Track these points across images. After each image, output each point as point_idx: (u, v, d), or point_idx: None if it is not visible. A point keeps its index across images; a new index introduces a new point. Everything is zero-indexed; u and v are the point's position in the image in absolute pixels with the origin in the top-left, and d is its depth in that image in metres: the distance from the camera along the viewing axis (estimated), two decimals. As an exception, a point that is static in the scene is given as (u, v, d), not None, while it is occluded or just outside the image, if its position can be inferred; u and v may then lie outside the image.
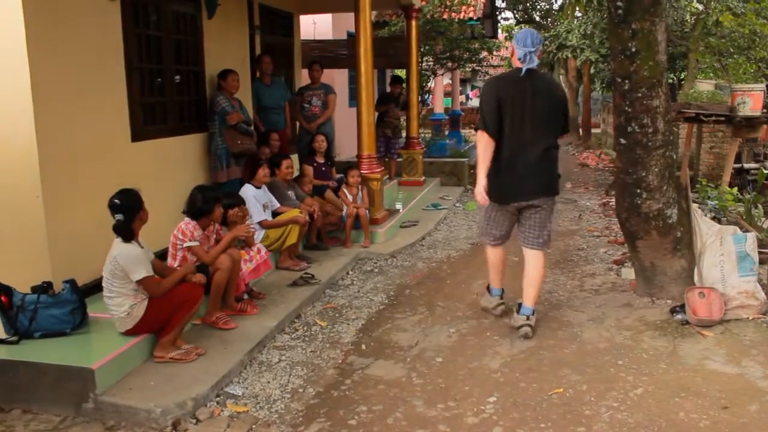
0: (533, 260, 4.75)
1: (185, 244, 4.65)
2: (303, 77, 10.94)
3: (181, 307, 4.21)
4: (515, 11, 24.21)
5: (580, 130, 21.96)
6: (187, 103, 6.59)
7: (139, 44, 5.73)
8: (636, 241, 5.10)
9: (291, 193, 6.66)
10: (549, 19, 23.19)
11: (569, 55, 16.33)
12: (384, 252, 7.04)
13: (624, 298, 5.38)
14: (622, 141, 4.89)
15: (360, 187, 7.32)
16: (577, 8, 20.39)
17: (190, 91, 6.65)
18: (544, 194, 4.57)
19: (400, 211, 8.53)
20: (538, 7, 24.04)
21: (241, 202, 5.33)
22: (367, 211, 7.20)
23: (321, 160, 7.72)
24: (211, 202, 4.78)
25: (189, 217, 4.73)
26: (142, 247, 4.17)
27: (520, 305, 4.78)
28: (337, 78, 9.24)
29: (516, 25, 23.71)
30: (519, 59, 4.52)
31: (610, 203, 10.09)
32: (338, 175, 7.76)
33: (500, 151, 4.47)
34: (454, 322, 5.08)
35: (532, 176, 4.48)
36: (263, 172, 6.33)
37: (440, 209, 9.42)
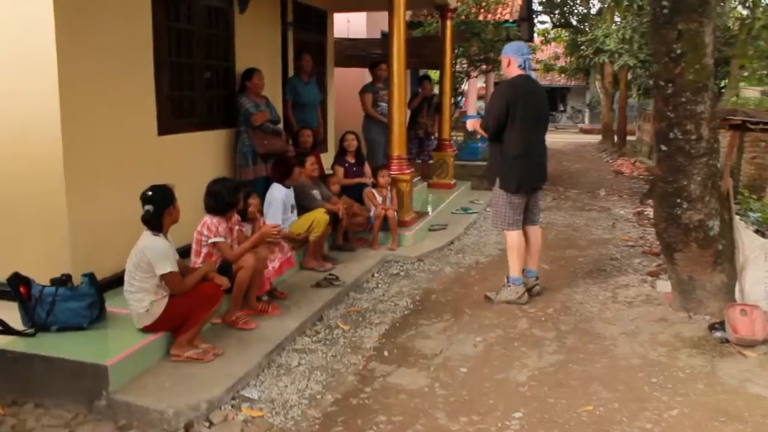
0: (538, 234, 5.75)
1: (210, 240, 4.55)
2: (337, 75, 10.85)
3: (201, 306, 4.11)
4: (552, 14, 23.90)
5: (615, 137, 21.55)
6: (216, 99, 6.52)
7: (169, 38, 5.66)
8: (674, 253, 4.87)
9: (316, 192, 6.53)
10: (586, 23, 22.84)
11: (606, 60, 15.99)
12: (411, 255, 6.88)
13: (659, 312, 5.16)
14: (663, 148, 4.68)
15: (389, 188, 7.17)
16: (617, 12, 20.10)
17: (219, 86, 6.58)
18: (546, 177, 5.70)
19: (430, 214, 8.37)
20: (576, 11, 23.69)
21: (252, 192, 5.25)
22: (395, 213, 7.05)
23: (352, 159, 7.60)
24: (235, 194, 4.70)
25: (213, 213, 4.63)
26: (170, 243, 4.09)
27: (524, 270, 5.61)
28: (368, 77, 9.11)
29: (552, 29, 23.40)
30: (519, 66, 5.36)
31: (645, 212, 9.82)
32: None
33: (521, 146, 5.27)
34: (481, 331, 4.90)
35: (543, 163, 5.56)
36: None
37: (470, 213, 9.23)
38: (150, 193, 4.05)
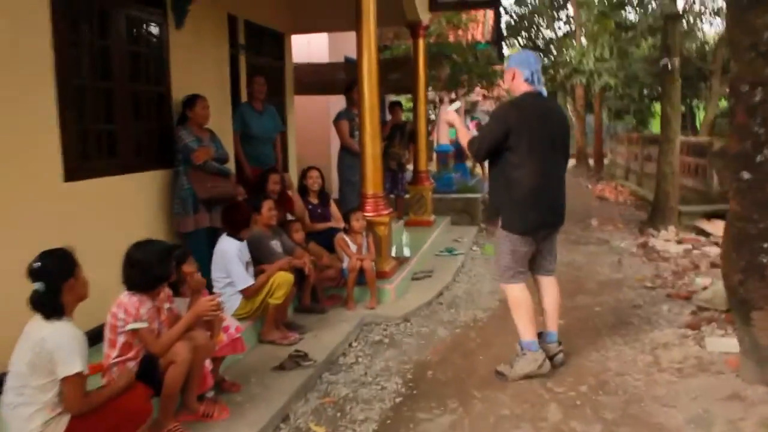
0: (553, 287, 4.67)
1: (129, 327, 3.27)
2: (297, 104, 9.69)
3: (119, 429, 2.86)
4: (518, 38, 23.25)
5: (591, 161, 20.74)
6: (147, 132, 5.28)
7: (77, 55, 4.43)
8: (751, 312, 3.73)
9: (276, 244, 5.30)
10: (552, 46, 22.20)
11: (583, 81, 15.14)
12: (395, 315, 5.65)
13: (726, 385, 3.99)
14: (746, 176, 3.56)
15: (365, 233, 5.96)
16: (583, 36, 19.41)
17: (150, 117, 5.34)
18: (563, 219, 4.53)
19: (411, 259, 7.16)
20: (541, 35, 23.07)
21: (187, 256, 4.00)
22: (373, 264, 5.83)
23: (315, 200, 6.41)
24: (166, 263, 3.43)
25: (134, 290, 3.36)
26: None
27: (540, 334, 4.53)
28: (332, 105, 7.95)
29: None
30: (526, 80, 4.31)
31: (649, 244, 8.77)
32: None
33: (530, 179, 4.20)
34: (501, 425, 3.68)
35: (559, 203, 4.43)
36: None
37: (456, 255, 8.05)
38: (38, 264, 2.79)
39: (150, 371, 3.26)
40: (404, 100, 13.07)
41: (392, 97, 12.99)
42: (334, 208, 6.68)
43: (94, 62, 4.63)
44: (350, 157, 7.78)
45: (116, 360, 3.27)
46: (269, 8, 8.49)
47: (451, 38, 12.24)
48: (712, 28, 13.64)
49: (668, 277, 6.98)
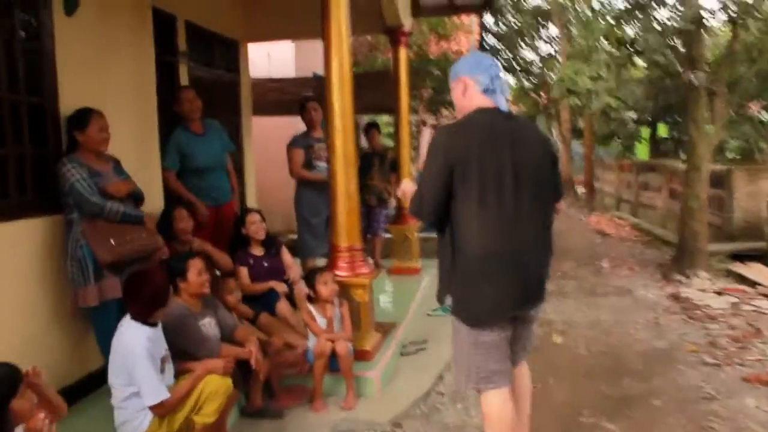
0: (526, 378, 3.29)
1: None
2: (257, 126, 8.08)
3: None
4: (498, 58, 21.96)
5: (579, 190, 19.34)
6: (17, 161, 3.62)
7: None
8: None
9: (209, 324, 3.64)
10: (531, 67, 20.95)
11: (578, 103, 13.72)
12: (381, 419, 3.99)
13: None
14: None
15: (337, 301, 4.31)
16: (568, 56, 18.12)
17: (23, 141, 3.68)
18: (543, 295, 3.01)
19: (398, 324, 5.52)
20: (519, 56, 21.80)
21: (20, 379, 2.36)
22: (349, 346, 4.17)
23: (259, 251, 4.81)
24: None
25: None
26: None
27: None
28: (300, 127, 6.35)
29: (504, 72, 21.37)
30: (485, 91, 2.97)
31: (682, 295, 7.25)
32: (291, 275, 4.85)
33: (476, 240, 2.78)
34: None
35: (535, 272, 2.91)
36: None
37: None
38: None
39: None
40: (381, 124, 11.51)
41: (366, 119, 11.43)
42: (286, 256, 5.05)
43: None
44: (310, 192, 6.15)
45: None
46: (218, 9, 6.92)
47: (433, 51, 10.71)
48: (711, 41, 12.39)
49: (728, 346, 5.44)
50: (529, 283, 2.87)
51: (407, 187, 3.24)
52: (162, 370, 3.12)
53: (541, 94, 21.41)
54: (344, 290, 4.39)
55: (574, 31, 18.23)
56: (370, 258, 7.93)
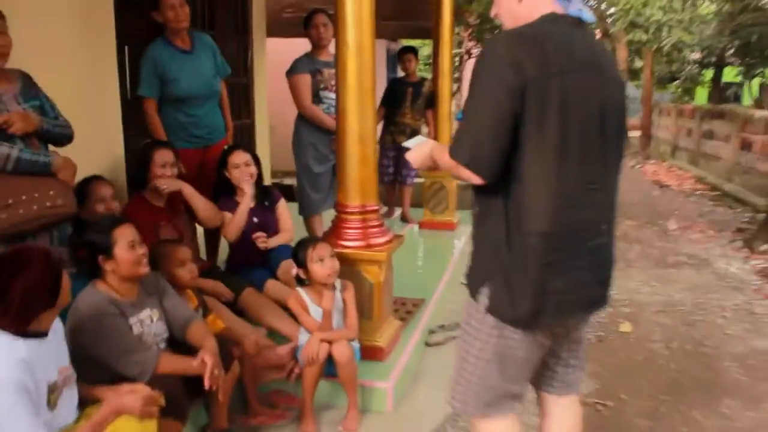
0: (575, 418, 2.25)
1: None
2: (272, 50, 6.85)
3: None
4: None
5: (636, 136, 17.68)
6: None
7: None
8: None
9: (147, 319, 2.53)
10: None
11: (644, 38, 12.05)
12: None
13: None
14: None
15: (340, 284, 3.15)
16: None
17: None
18: (607, 296, 2.06)
19: (426, 301, 4.36)
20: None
21: None
22: (352, 347, 3.03)
23: (248, 200, 3.68)
24: None
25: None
26: None
27: None
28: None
29: None
30: None
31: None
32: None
33: (549, 214, 1.84)
34: None
35: (611, 255, 2.04)
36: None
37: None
38: None
39: None
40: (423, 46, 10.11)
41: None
42: (283, 214, 3.92)
43: None
44: (314, 130, 4.90)
45: None
46: None
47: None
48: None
49: None
50: (603, 273, 2.02)
51: (420, 153, 2.25)
52: (51, 403, 2.03)
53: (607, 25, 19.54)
54: (351, 267, 3.22)
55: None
56: (399, 209, 6.78)
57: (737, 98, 24.01)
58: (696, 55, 16.22)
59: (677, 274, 5.96)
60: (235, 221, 3.66)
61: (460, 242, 6.03)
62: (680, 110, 16.91)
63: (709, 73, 20.69)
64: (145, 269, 2.52)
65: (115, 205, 3.27)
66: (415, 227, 6.45)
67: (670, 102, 20.93)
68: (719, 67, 19.50)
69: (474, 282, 2.02)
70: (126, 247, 2.44)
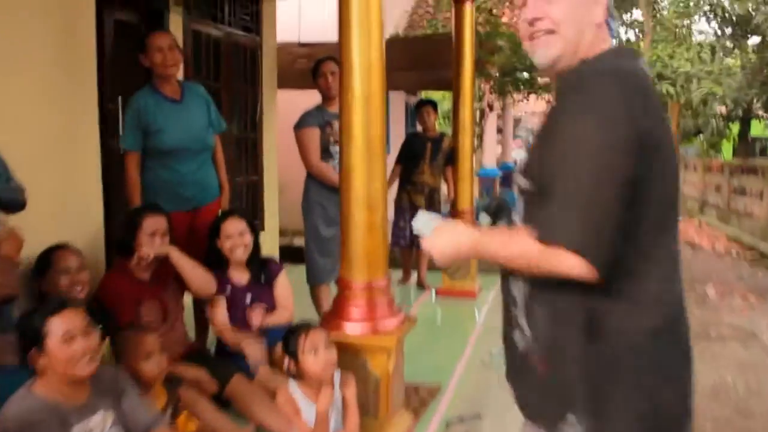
0: None
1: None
2: (283, 103, 6.50)
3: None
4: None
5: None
6: None
7: None
8: None
9: (96, 427, 2.05)
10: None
11: (671, 90, 11.65)
12: None
13: None
14: None
15: (339, 377, 2.63)
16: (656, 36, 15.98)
17: None
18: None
19: (442, 390, 3.81)
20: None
21: None
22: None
23: (240, 277, 3.22)
24: None
25: None
26: None
27: None
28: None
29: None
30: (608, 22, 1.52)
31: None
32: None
33: (660, 297, 1.45)
34: None
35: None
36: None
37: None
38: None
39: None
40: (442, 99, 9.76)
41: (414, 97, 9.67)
42: (282, 290, 3.45)
43: None
44: (320, 189, 4.44)
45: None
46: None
47: (506, 19, 8.85)
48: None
49: None
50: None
51: (449, 243, 1.57)
52: None
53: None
54: (354, 357, 2.72)
55: (664, 12, 16.01)
56: (416, 272, 6.26)
57: (763, 152, 23.43)
58: (722, 109, 15.76)
59: (723, 349, 5.38)
60: (223, 321, 3.21)
61: (482, 313, 5.49)
62: (707, 165, 16.39)
63: (735, 127, 20.19)
64: (85, 369, 2.03)
65: (83, 276, 2.83)
66: (432, 294, 5.92)
67: (695, 156, 20.43)
68: (746, 121, 19.02)
69: (556, 409, 1.49)
70: (59, 341, 1.97)
